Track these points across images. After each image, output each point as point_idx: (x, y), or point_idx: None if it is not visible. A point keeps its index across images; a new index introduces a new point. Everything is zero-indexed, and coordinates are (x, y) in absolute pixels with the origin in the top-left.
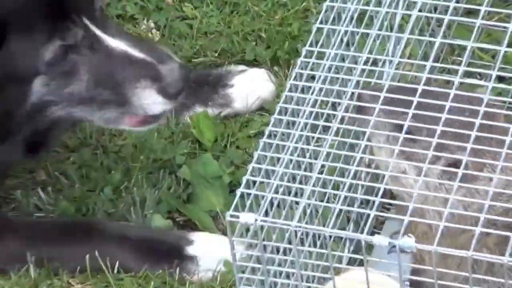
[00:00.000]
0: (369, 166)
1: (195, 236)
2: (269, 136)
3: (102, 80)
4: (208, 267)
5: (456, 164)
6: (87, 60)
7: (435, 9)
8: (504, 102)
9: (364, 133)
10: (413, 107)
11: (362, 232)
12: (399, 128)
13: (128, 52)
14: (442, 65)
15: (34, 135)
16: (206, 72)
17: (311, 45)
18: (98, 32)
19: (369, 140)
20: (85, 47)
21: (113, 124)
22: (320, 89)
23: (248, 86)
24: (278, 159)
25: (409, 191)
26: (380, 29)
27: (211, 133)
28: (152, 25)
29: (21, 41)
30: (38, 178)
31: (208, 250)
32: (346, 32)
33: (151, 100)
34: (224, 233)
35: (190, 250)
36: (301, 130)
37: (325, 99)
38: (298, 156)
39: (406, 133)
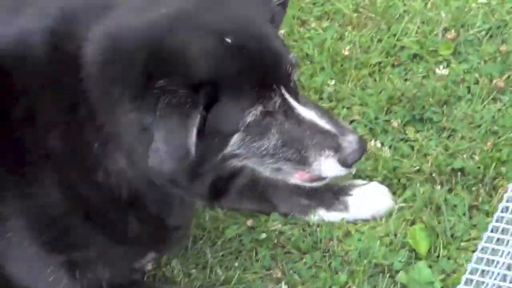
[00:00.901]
0: None
1: None
2: (482, 250)
3: (289, 142)
4: None
5: None
6: (280, 124)
7: None
8: None
9: None
10: None
11: None
12: None
13: (316, 121)
14: None
15: (217, 180)
16: (333, 183)
17: None
18: (292, 101)
19: None
20: (280, 113)
21: (281, 176)
22: None
23: (364, 197)
24: (489, 272)
25: None
26: None
27: (426, 243)
28: (379, 145)
29: (230, 104)
30: (274, 275)
31: None
32: None
33: (330, 167)
34: None
35: None
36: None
37: None
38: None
39: None
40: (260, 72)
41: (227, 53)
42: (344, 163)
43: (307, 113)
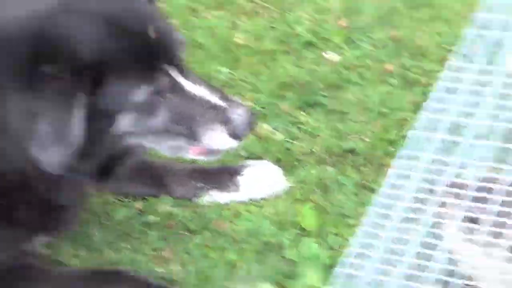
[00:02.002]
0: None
1: None
2: (366, 226)
3: (179, 118)
4: None
5: None
6: (169, 101)
7: None
8: None
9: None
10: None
11: None
12: (470, 219)
13: (205, 97)
14: None
15: (107, 160)
16: (226, 165)
17: (407, 149)
18: (180, 79)
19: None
20: (168, 91)
21: (177, 153)
22: (412, 188)
23: (255, 177)
24: (374, 245)
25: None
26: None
27: (315, 221)
28: (271, 129)
29: (116, 85)
30: (165, 256)
31: None
32: (439, 140)
33: (220, 139)
34: None
35: None
36: (395, 222)
37: (416, 195)
38: (391, 243)
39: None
40: (145, 52)
41: (110, 35)
42: (234, 135)
43: (196, 89)
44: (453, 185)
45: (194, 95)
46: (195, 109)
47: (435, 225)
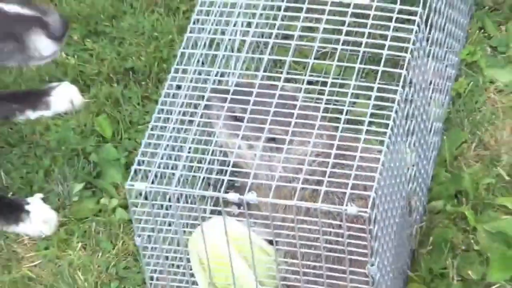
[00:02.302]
0: (221, 146)
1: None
2: (152, 129)
3: (3, 37)
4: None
5: (274, 139)
6: None
7: (262, 35)
8: (312, 98)
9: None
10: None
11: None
12: (234, 117)
13: (19, 11)
14: (269, 74)
15: None
16: (38, 89)
17: (177, 65)
18: None
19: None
20: None
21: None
22: (185, 95)
23: (59, 96)
24: (159, 145)
25: (245, 161)
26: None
27: (110, 129)
28: (64, 55)
29: None
30: None
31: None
32: (201, 54)
33: (42, 43)
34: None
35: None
36: (174, 124)
37: (189, 101)
38: (172, 141)
39: (239, 121)
40: None
41: None
42: (53, 37)
43: (9, 7)
44: (215, 90)
45: (9, 12)
46: (15, 24)
47: (206, 124)
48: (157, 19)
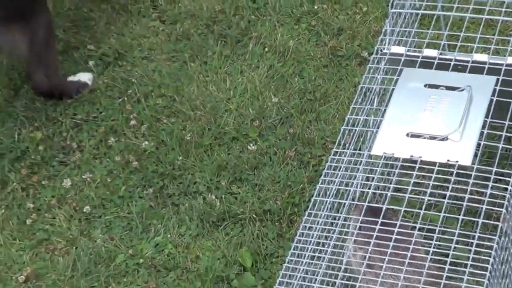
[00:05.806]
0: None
1: None
2: (288, 262)
3: None
4: None
5: None
6: None
7: (378, 187)
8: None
9: None
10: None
11: None
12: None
13: None
14: (383, 220)
15: None
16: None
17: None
18: None
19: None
20: None
21: None
22: (316, 235)
23: (82, 78)
24: (294, 276)
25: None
26: None
27: (250, 260)
28: (213, 197)
29: None
30: (151, 286)
31: None
32: (329, 202)
33: None
34: None
35: None
36: (306, 259)
37: (318, 240)
38: (304, 274)
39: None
40: None
41: None
42: None
43: None
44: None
45: None
46: None
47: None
48: (291, 170)
